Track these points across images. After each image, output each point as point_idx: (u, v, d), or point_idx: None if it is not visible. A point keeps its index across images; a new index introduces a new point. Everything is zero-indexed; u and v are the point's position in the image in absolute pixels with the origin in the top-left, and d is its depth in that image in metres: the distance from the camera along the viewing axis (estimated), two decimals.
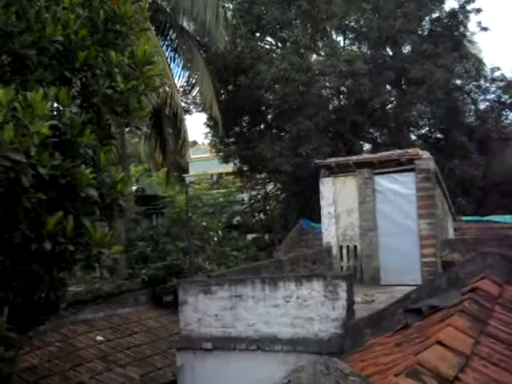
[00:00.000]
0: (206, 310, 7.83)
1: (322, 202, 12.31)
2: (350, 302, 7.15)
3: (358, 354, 5.41)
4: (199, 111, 22.75)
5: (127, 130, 18.93)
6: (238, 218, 22.78)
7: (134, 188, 18.70)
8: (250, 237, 21.74)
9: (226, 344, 7.58)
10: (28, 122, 5.37)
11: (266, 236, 21.41)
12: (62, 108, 6.00)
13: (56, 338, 10.54)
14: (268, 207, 22.43)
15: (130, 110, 6.92)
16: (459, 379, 3.52)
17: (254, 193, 23.50)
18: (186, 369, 7.84)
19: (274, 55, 21.12)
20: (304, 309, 7.25)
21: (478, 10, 21.38)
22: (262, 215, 22.63)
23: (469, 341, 4.21)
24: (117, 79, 6.53)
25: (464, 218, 16.88)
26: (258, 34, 22.28)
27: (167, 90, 14.75)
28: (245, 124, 23.11)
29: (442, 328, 4.46)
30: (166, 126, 16.47)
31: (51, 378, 9.31)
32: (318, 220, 13.57)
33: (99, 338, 10.93)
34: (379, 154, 12.75)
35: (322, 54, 22.41)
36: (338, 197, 12.13)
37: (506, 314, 5.30)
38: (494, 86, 23.48)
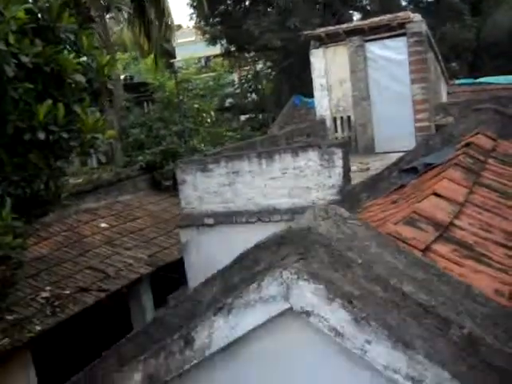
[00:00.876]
0: (205, 188, 7.96)
1: (314, 74, 12.12)
2: (346, 169, 7.25)
3: (356, 215, 5.56)
4: None
5: (108, 16, 18.25)
6: (230, 99, 22.53)
7: (122, 76, 18.29)
8: (243, 117, 21.63)
9: (227, 218, 7.77)
10: (2, 8, 5.18)
11: (260, 116, 21.30)
12: None
13: (62, 228, 10.80)
14: (259, 86, 22.10)
15: None
16: (454, 225, 3.65)
17: (243, 73, 23.06)
18: (190, 245, 8.10)
19: None
20: (301, 179, 7.36)
21: None
22: (254, 95, 22.35)
23: (463, 191, 4.31)
24: None
25: (457, 82, 16.71)
26: None
27: None
28: (229, 2, 22.24)
29: (437, 181, 4.56)
30: (148, 7, 15.85)
31: (62, 265, 9.63)
32: (311, 95, 13.44)
33: (103, 224, 11.19)
34: (369, 20, 12.37)
35: None
36: (329, 68, 11.93)
37: (499, 166, 5.40)
38: None
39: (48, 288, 8.85)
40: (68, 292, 8.81)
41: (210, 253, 7.76)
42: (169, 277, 9.62)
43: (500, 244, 3.63)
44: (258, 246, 2.31)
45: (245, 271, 2.32)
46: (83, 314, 8.60)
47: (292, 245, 2.20)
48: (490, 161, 5.47)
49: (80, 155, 7.39)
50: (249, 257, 2.33)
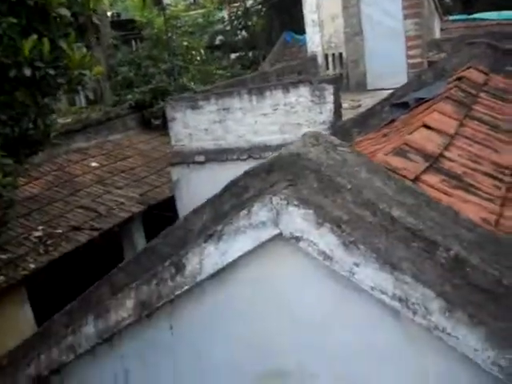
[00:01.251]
0: (195, 125, 7.89)
1: (305, 10, 11.85)
2: (337, 105, 7.19)
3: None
4: None
5: None
6: (220, 37, 22.08)
7: (109, 13, 17.82)
8: (233, 55, 21.25)
9: (218, 156, 7.74)
10: None
11: (250, 53, 20.93)
12: None
13: (52, 168, 10.74)
14: (250, 23, 21.62)
15: None
16: (444, 156, 3.66)
17: (233, 10, 22.49)
18: (182, 182, 8.09)
19: None
20: (292, 115, 7.31)
21: None
22: (244, 32, 21.90)
23: (454, 123, 4.30)
24: None
25: (451, 18, 16.43)
26: None
27: None
28: None
29: (428, 115, 4.55)
30: None
31: (53, 204, 9.64)
32: (302, 32, 13.19)
33: (94, 164, 11.14)
34: None
35: None
36: (321, 2, 11.66)
37: (490, 100, 5.38)
38: None
39: (40, 227, 8.88)
40: (60, 231, 8.85)
41: (201, 190, 7.72)
42: (161, 215, 9.67)
43: (489, 175, 3.65)
44: (247, 173, 2.31)
45: (235, 198, 2.33)
46: (77, 254, 8.67)
47: (281, 171, 2.20)
48: (482, 94, 5.44)
49: (67, 92, 7.28)
50: (238, 184, 2.33)
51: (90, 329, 2.69)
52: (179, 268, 2.35)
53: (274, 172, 2.22)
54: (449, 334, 1.92)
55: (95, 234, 8.88)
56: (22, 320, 7.80)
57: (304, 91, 7.20)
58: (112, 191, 10.22)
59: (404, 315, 2.00)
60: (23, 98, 6.15)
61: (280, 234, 2.14)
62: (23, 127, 6.55)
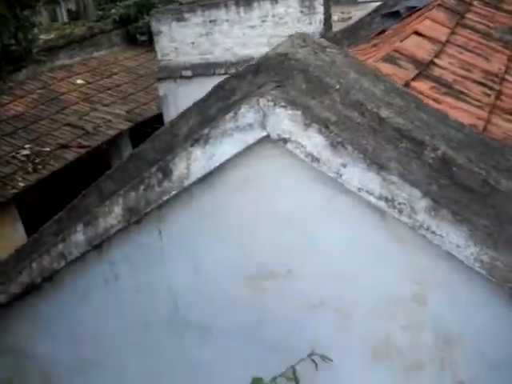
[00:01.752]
0: (181, 39, 7.67)
1: None
2: (327, 16, 7.00)
3: None
4: None
5: None
6: None
7: None
8: None
9: (206, 70, 7.58)
10: None
11: None
12: None
13: (36, 86, 10.50)
14: None
15: None
16: (435, 63, 3.61)
17: None
18: (169, 98, 7.95)
19: None
20: (281, 27, 7.12)
21: None
22: None
23: (446, 31, 4.21)
24: None
25: None
26: None
27: None
28: None
29: (419, 22, 4.44)
30: None
31: (39, 122, 9.49)
32: None
33: (79, 81, 10.89)
34: None
35: None
36: None
37: (483, 8, 5.25)
38: None
39: (27, 145, 8.79)
40: (48, 149, 8.77)
41: (188, 105, 7.65)
42: (149, 132, 9.57)
43: (479, 82, 3.61)
44: (234, 76, 2.26)
45: (221, 101, 2.29)
46: (66, 172, 8.62)
47: (269, 72, 2.15)
48: (475, 2, 5.30)
49: (48, 3, 7.04)
50: (225, 87, 2.28)
51: (79, 236, 2.70)
52: (166, 173, 2.33)
53: (261, 73, 2.17)
54: (433, 232, 1.94)
55: (83, 151, 8.81)
56: (15, 238, 7.85)
57: (293, 1, 6.99)
58: (99, 109, 10.05)
59: (390, 215, 2.02)
60: (2, 11, 5.94)
61: (267, 136, 2.11)
62: (4, 42, 6.37)
